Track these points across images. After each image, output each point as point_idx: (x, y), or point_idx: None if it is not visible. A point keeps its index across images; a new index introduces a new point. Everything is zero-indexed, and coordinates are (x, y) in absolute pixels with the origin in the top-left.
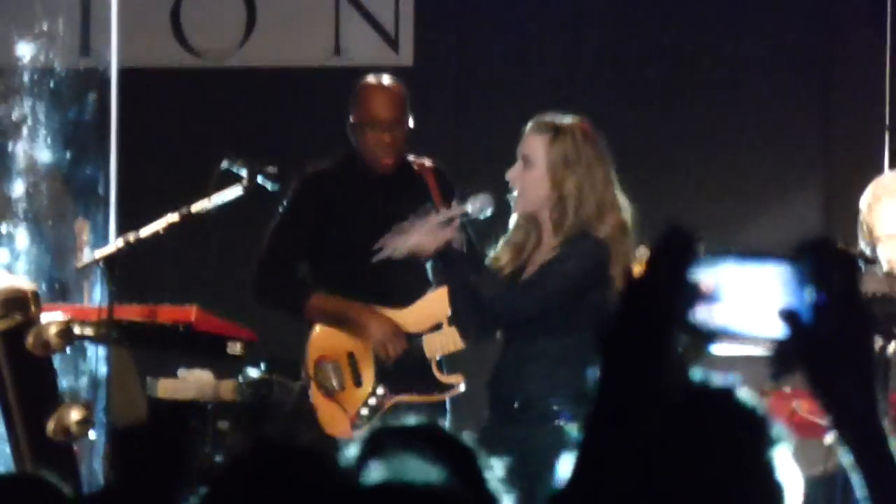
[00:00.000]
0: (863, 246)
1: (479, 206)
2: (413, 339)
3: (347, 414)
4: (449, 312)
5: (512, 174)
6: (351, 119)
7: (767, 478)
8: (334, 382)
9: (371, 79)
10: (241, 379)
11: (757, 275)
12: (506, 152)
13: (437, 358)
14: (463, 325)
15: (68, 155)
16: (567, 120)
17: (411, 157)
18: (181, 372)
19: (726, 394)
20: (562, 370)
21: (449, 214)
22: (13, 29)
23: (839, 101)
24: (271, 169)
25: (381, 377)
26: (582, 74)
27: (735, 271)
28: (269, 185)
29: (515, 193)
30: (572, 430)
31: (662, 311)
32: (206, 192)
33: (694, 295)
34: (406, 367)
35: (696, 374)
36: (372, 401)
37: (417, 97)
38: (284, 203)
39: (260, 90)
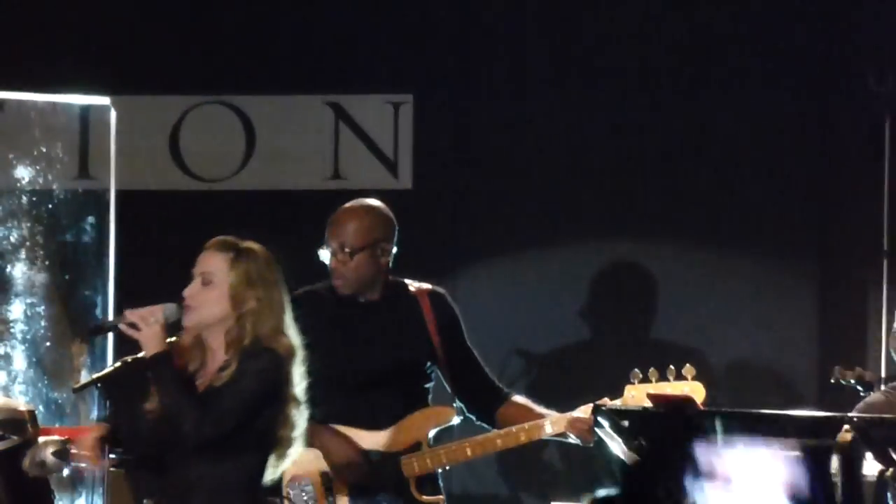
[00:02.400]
0: (894, 355)
1: (168, 313)
2: (391, 458)
3: None
4: (430, 434)
5: (189, 291)
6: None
7: None
8: (304, 500)
9: (346, 204)
10: None
11: (760, 455)
12: (504, 272)
13: (415, 477)
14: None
15: (67, 277)
16: (248, 243)
17: (407, 281)
18: None
19: None
20: (244, 494)
21: (140, 316)
22: (13, 151)
23: (837, 225)
24: None
25: (356, 496)
26: (575, 196)
27: (739, 452)
28: None
29: (189, 308)
30: None
31: (664, 490)
32: None
33: (696, 473)
34: (383, 486)
35: None
36: None
37: (416, 220)
38: None
39: (259, 213)
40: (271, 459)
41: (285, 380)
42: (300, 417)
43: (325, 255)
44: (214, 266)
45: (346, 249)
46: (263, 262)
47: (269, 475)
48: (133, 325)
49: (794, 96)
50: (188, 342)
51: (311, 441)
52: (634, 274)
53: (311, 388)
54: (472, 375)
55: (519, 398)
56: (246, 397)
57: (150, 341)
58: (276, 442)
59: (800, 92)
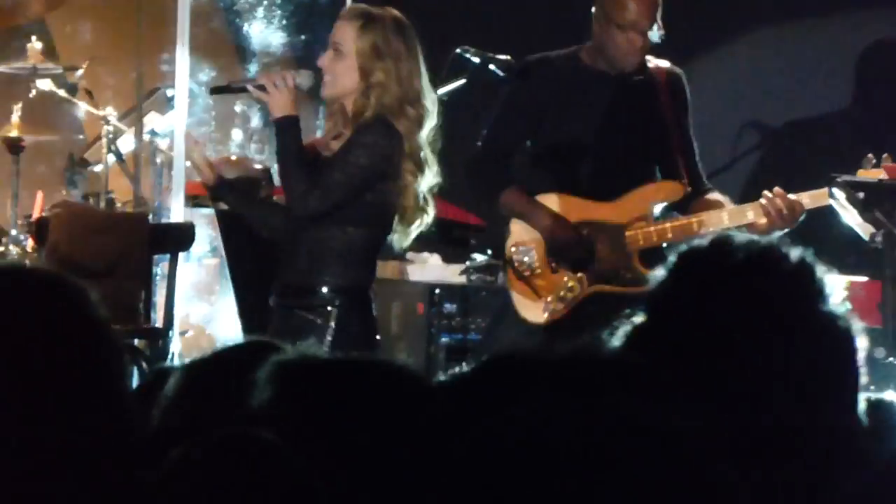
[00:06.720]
0: None
1: (301, 80)
2: (615, 230)
3: (542, 298)
4: (655, 208)
5: (323, 62)
6: (606, 15)
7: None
8: (526, 264)
9: None
10: (468, 264)
11: None
12: (743, 46)
13: (639, 250)
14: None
15: (303, 37)
16: (379, 10)
17: (648, 57)
18: (410, 255)
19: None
20: (339, 260)
21: (270, 79)
22: None
23: None
24: (503, 57)
25: (578, 266)
26: None
27: None
28: (499, 74)
29: (325, 80)
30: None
31: None
32: (439, 78)
33: None
34: (606, 258)
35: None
36: (571, 286)
37: None
38: (508, 90)
39: None
40: (398, 227)
41: (400, 151)
42: (425, 183)
43: (608, 27)
44: (343, 36)
45: (650, 28)
46: (394, 30)
47: (402, 242)
48: (262, 88)
49: None
50: (333, 109)
51: (524, 218)
52: (876, 50)
53: (537, 157)
54: (686, 164)
55: (717, 195)
56: (353, 171)
57: (278, 105)
58: (395, 212)
59: None
